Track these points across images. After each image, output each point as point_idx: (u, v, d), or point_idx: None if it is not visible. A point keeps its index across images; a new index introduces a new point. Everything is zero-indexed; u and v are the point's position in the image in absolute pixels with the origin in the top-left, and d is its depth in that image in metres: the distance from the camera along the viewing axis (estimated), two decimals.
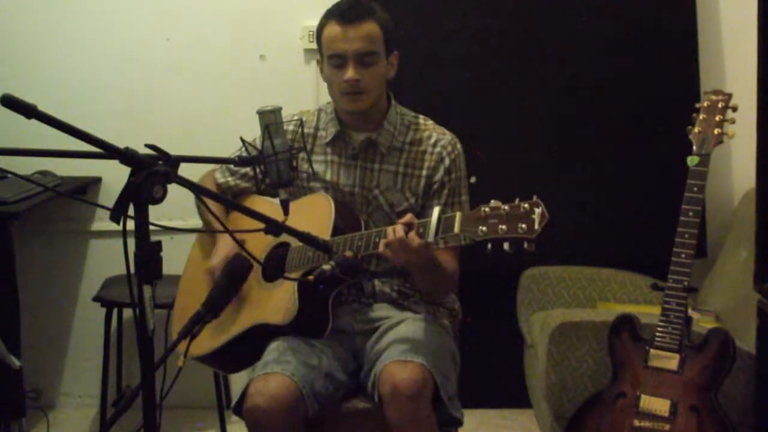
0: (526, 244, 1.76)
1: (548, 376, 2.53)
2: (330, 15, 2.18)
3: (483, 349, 3.08)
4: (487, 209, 1.82)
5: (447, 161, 2.25)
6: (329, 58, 2.18)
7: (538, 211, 1.75)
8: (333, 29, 2.16)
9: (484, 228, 1.80)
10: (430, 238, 1.90)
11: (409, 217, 1.98)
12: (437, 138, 2.27)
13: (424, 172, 2.25)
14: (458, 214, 1.87)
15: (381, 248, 1.97)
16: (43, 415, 3.16)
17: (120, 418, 1.59)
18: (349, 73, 2.14)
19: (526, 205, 1.77)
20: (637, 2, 3.13)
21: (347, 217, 2.20)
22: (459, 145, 2.28)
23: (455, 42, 3.13)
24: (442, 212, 1.91)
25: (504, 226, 1.77)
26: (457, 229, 1.85)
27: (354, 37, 2.13)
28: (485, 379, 3.19)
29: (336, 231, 2.12)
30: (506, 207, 1.79)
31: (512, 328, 3.07)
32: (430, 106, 2.44)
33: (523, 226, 1.75)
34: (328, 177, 2.30)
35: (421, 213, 2.22)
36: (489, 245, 1.80)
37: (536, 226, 1.74)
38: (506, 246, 1.78)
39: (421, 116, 2.33)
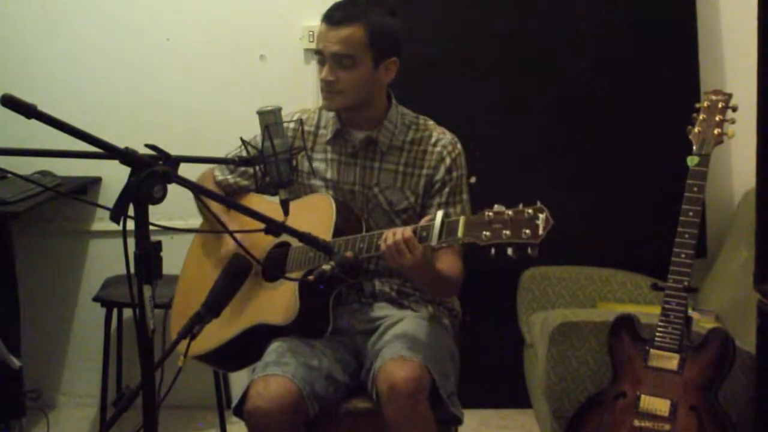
0: (529, 250, 1.76)
1: (548, 376, 2.53)
2: (325, 13, 2.20)
3: (483, 349, 3.07)
4: (491, 214, 1.81)
5: (448, 160, 2.25)
6: (315, 54, 2.22)
7: (542, 216, 1.75)
8: (321, 27, 2.18)
9: (488, 233, 1.80)
10: (434, 241, 1.90)
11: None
12: (438, 137, 2.27)
13: (424, 171, 2.25)
14: (462, 219, 1.87)
15: (382, 248, 1.97)
16: (43, 415, 3.15)
17: (120, 418, 1.59)
18: (324, 72, 2.17)
19: (530, 211, 1.77)
20: (637, 2, 3.13)
21: (348, 218, 2.20)
22: (459, 145, 2.29)
23: (455, 42, 3.12)
24: (445, 216, 1.91)
25: (508, 232, 1.77)
26: (460, 233, 1.85)
27: (332, 38, 2.14)
28: (485, 379, 3.18)
29: (337, 231, 2.12)
30: (510, 212, 1.79)
31: (512, 328, 3.06)
32: (430, 106, 2.43)
33: (527, 231, 1.75)
34: (328, 175, 2.30)
35: (421, 212, 2.23)
36: (492, 250, 1.80)
37: (540, 232, 1.74)
38: (510, 251, 1.78)
39: (421, 116, 2.33)
